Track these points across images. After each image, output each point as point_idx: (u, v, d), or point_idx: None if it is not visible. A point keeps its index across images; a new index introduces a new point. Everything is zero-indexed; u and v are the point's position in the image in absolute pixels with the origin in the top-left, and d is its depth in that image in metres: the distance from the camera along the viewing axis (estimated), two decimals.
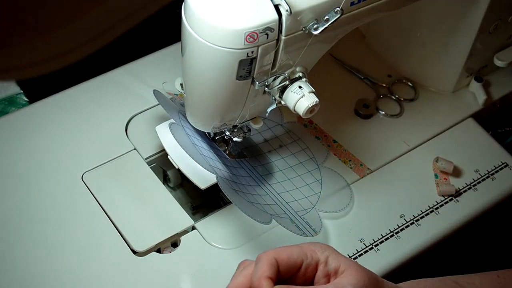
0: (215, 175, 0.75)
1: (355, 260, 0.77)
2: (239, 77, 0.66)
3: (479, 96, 0.95)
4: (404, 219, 0.82)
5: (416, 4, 0.78)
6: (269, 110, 0.76)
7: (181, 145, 0.77)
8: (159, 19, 0.68)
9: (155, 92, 0.82)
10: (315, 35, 0.65)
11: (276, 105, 0.74)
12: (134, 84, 0.91)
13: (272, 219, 0.75)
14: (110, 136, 0.85)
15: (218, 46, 0.63)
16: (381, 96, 0.96)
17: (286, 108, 0.72)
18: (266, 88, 0.70)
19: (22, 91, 0.99)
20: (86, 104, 0.89)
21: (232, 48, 0.63)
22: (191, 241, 0.77)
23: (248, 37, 0.62)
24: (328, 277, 0.59)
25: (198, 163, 0.76)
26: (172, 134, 0.77)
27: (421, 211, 0.83)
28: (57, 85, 0.90)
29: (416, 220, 0.82)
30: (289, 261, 0.58)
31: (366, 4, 0.69)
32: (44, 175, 0.81)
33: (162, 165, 0.86)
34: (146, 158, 0.84)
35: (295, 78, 0.70)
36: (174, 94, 0.89)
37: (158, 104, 0.87)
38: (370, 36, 1.02)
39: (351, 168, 0.86)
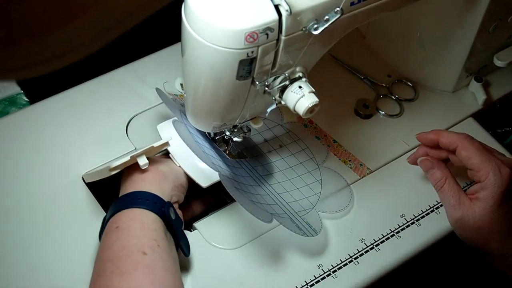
0: (217, 173, 0.75)
1: (356, 259, 0.77)
2: (239, 77, 0.66)
3: (479, 96, 0.95)
4: (405, 218, 0.82)
5: (416, 4, 0.78)
6: (269, 110, 0.76)
7: (185, 142, 0.77)
8: (159, 19, 0.68)
9: (158, 90, 0.82)
10: (315, 35, 0.65)
11: (276, 105, 0.74)
12: (134, 84, 0.91)
13: (273, 218, 0.75)
14: (111, 136, 0.85)
15: (218, 46, 0.63)
16: (381, 96, 0.96)
17: (286, 108, 0.72)
18: (266, 88, 0.69)
19: (22, 91, 0.99)
20: (86, 104, 0.89)
21: (232, 48, 0.63)
22: (191, 241, 0.77)
23: (248, 37, 0.62)
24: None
25: (202, 160, 0.76)
26: (176, 130, 0.77)
27: (421, 210, 0.83)
28: (57, 85, 0.89)
29: (417, 220, 0.82)
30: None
31: (366, 4, 0.69)
32: (44, 175, 0.81)
33: None
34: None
35: (295, 78, 0.70)
36: (174, 94, 0.89)
37: (159, 104, 0.87)
38: (370, 36, 1.02)
39: (351, 168, 0.86)
